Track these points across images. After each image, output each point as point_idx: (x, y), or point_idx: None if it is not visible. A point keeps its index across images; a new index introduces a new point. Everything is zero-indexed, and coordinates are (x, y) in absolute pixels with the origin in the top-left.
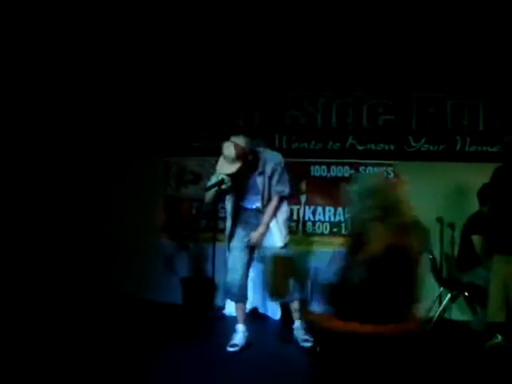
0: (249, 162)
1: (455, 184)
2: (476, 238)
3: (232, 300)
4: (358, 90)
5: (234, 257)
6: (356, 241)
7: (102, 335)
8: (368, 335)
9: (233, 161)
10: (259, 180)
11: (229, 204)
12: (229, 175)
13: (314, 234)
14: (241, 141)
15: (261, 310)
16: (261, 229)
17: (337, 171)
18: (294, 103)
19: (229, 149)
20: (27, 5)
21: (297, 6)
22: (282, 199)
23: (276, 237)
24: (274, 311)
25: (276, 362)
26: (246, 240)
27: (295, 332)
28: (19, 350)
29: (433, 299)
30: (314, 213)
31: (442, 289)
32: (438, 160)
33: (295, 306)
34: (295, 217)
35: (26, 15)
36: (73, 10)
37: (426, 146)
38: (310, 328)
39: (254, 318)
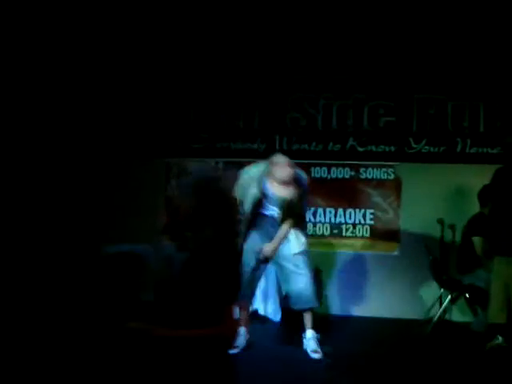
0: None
1: (456, 185)
2: (477, 240)
3: (240, 298)
4: (359, 91)
5: (246, 259)
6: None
7: (101, 336)
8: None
9: (289, 184)
10: (285, 194)
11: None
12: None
13: (314, 236)
14: (291, 162)
15: (261, 312)
16: (275, 242)
17: (337, 173)
18: (294, 105)
19: (287, 172)
20: (27, 5)
21: (297, 8)
22: (301, 216)
23: (293, 244)
24: (274, 313)
25: (276, 364)
26: (258, 249)
27: (306, 342)
28: (19, 350)
29: (433, 300)
30: (314, 214)
31: (442, 290)
32: (438, 161)
33: (307, 314)
34: None
35: (26, 15)
36: (73, 12)
37: (426, 147)
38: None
39: (255, 319)
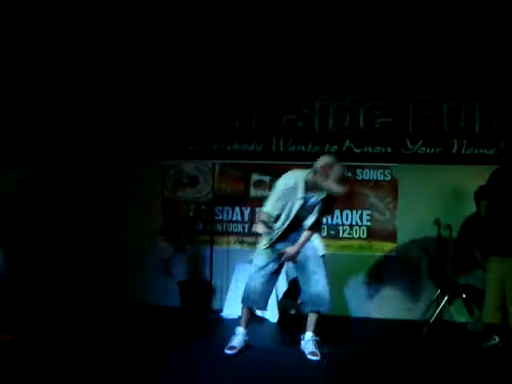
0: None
1: (452, 186)
2: (475, 241)
3: (251, 306)
4: (355, 92)
5: (261, 264)
6: None
7: (100, 338)
8: None
9: (338, 181)
10: (318, 204)
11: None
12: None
13: None
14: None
15: (259, 313)
16: (297, 247)
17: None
18: (290, 106)
19: (343, 168)
20: (27, 5)
21: (293, 10)
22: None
23: (318, 246)
24: (272, 314)
25: (273, 365)
26: (280, 251)
27: (304, 343)
28: (19, 350)
29: (430, 301)
30: None
31: (439, 290)
32: (434, 162)
33: (315, 316)
34: None
35: (25, 16)
36: (70, 16)
37: (422, 148)
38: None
39: (252, 320)
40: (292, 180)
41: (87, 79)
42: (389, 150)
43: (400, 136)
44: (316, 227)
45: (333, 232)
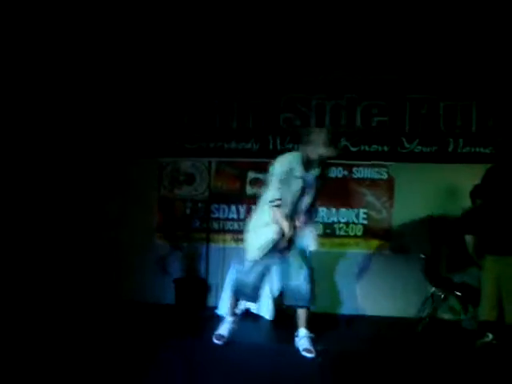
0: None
1: (448, 185)
2: (468, 238)
3: (244, 299)
4: (351, 91)
5: (254, 259)
6: None
7: (95, 335)
8: None
9: (324, 146)
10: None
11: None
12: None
13: None
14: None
15: (254, 310)
16: (289, 233)
17: (330, 172)
18: (287, 104)
19: (322, 134)
20: (27, 5)
21: (290, 9)
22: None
23: (310, 241)
24: (267, 312)
25: (269, 363)
26: (274, 242)
27: (298, 340)
28: (18, 349)
29: (425, 298)
30: None
31: (434, 288)
32: (431, 161)
33: (303, 312)
34: None
35: (25, 16)
36: (67, 17)
37: (419, 147)
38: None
39: (247, 317)
40: (287, 164)
41: (85, 79)
42: (385, 148)
43: (396, 135)
44: (309, 218)
45: (329, 230)
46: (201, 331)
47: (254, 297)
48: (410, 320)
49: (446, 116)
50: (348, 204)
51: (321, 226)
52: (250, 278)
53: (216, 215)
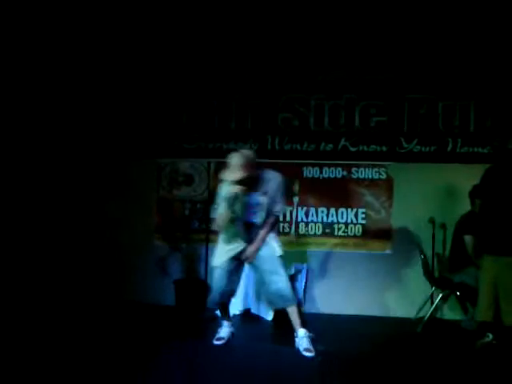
0: (253, 177)
1: (447, 185)
2: (467, 238)
3: (213, 307)
4: (350, 91)
5: (221, 267)
6: None
7: (96, 337)
8: None
9: (238, 169)
10: (262, 199)
11: (226, 215)
12: (236, 183)
13: (306, 235)
14: (249, 152)
15: (253, 311)
16: (257, 244)
17: (329, 172)
18: (286, 105)
19: (236, 157)
20: (27, 5)
21: (288, 9)
22: (278, 218)
23: (275, 246)
24: (266, 312)
25: (268, 363)
26: (238, 251)
27: (298, 340)
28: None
29: (425, 299)
30: (306, 214)
31: (433, 288)
32: (429, 161)
33: (293, 310)
34: (288, 218)
35: (25, 16)
36: (65, 17)
37: (417, 147)
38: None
39: (247, 319)
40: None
41: (84, 79)
42: (384, 148)
43: (395, 135)
44: (270, 226)
45: (328, 230)
46: (201, 333)
47: (224, 303)
48: (410, 320)
49: (444, 116)
50: (347, 204)
51: (320, 226)
52: (220, 285)
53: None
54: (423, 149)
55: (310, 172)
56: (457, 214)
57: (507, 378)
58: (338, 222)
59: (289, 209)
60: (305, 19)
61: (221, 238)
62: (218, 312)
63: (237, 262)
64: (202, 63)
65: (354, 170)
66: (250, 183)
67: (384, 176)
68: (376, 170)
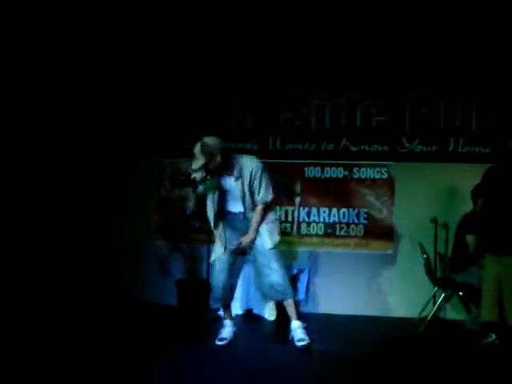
0: (217, 163)
1: (448, 184)
2: (470, 238)
3: (216, 305)
4: (352, 91)
5: (219, 260)
6: None
7: (97, 337)
8: None
9: (198, 157)
10: (237, 186)
11: (210, 207)
12: (195, 171)
13: (308, 235)
14: (209, 140)
15: (256, 311)
16: (251, 235)
17: (331, 172)
18: (287, 105)
19: (196, 146)
20: (27, 5)
21: (290, 9)
22: (268, 206)
23: (266, 239)
24: (269, 312)
25: (271, 363)
26: (234, 244)
27: (293, 331)
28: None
29: (427, 299)
30: (308, 214)
31: (436, 288)
32: (431, 161)
33: (289, 303)
34: (290, 218)
35: (25, 16)
36: (66, 16)
37: (419, 146)
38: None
39: (249, 319)
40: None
41: (84, 78)
42: (385, 148)
43: (397, 134)
44: (259, 216)
45: (330, 230)
46: (203, 333)
47: (227, 300)
48: (413, 320)
49: (446, 115)
50: (349, 204)
51: (322, 226)
52: (219, 282)
53: None
54: (425, 148)
55: (311, 172)
56: (459, 214)
57: (510, 378)
58: (340, 222)
59: (291, 209)
60: (306, 19)
61: (216, 233)
62: (220, 312)
63: (235, 256)
64: (202, 63)
65: (355, 169)
66: (219, 169)
67: (385, 176)
68: (377, 169)
